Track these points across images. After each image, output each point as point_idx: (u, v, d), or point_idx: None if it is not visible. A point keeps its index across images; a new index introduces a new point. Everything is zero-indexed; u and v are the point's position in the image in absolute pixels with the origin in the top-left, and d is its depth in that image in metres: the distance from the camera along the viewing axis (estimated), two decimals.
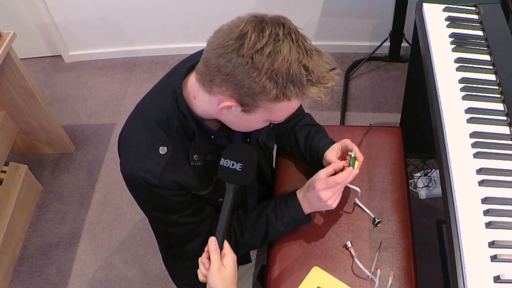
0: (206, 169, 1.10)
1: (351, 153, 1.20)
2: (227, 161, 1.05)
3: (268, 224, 1.20)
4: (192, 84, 1.02)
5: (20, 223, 2.18)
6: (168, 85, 1.07)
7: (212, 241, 1.01)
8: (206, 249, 1.02)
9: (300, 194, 1.20)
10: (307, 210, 1.20)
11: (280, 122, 1.05)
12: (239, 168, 1.05)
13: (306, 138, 1.34)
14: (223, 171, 1.06)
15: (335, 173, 1.18)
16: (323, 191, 1.13)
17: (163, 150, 1.03)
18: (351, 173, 1.14)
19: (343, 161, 1.19)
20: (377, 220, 1.28)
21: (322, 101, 0.94)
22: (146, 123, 1.06)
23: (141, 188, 1.05)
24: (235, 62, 0.88)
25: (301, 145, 1.34)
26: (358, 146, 1.30)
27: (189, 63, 1.05)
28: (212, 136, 1.10)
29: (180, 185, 1.06)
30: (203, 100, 1.00)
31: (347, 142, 1.25)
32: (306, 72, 0.89)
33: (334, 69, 0.94)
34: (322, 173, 1.16)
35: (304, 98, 0.92)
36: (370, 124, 1.50)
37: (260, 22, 0.89)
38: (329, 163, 1.23)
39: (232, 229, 1.21)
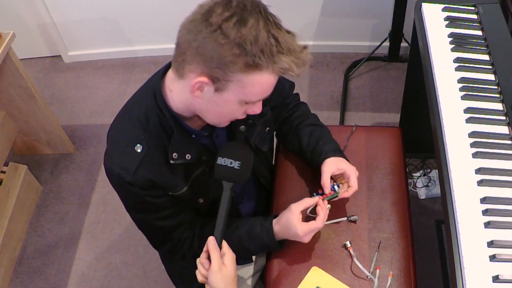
0: (185, 168, 1.10)
1: (337, 184, 1.24)
2: (224, 160, 1.05)
3: (240, 243, 1.21)
4: (169, 77, 1.04)
5: (20, 223, 2.18)
6: (149, 85, 1.09)
7: (211, 240, 1.01)
8: (205, 249, 1.02)
9: (276, 227, 1.20)
10: (281, 239, 1.21)
11: (255, 114, 1.05)
12: (238, 166, 1.04)
13: (310, 137, 1.33)
14: (220, 170, 1.05)
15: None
16: (306, 236, 1.17)
17: (138, 147, 1.04)
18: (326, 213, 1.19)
19: (316, 198, 1.21)
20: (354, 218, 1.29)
21: (296, 76, 0.93)
22: (127, 120, 1.08)
23: (118, 185, 1.07)
24: (205, 33, 0.89)
25: (304, 144, 1.34)
26: (343, 150, 1.31)
27: (169, 63, 1.07)
28: (194, 136, 1.10)
29: (154, 184, 1.06)
30: (179, 90, 1.01)
31: (351, 172, 1.24)
32: (276, 43, 0.89)
33: (306, 47, 0.94)
34: (296, 209, 1.17)
35: (276, 68, 0.91)
36: (355, 124, 1.50)
37: None
38: (322, 172, 1.24)
39: (205, 238, 1.20)
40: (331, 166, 1.24)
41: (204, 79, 0.92)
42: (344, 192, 1.23)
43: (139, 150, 1.04)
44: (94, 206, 2.30)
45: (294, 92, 1.40)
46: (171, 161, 1.06)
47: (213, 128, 1.14)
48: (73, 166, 2.46)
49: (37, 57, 3.03)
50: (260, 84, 0.94)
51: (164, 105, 1.04)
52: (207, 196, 1.19)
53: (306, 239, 1.18)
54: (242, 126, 1.17)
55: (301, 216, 1.17)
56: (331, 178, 1.25)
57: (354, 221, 1.29)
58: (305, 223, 1.16)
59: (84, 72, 2.94)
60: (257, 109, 1.03)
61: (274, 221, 1.20)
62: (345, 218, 1.29)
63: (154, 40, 2.90)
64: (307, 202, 1.19)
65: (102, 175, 2.40)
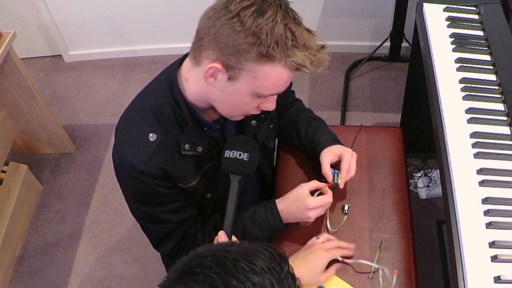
0: (196, 160, 1.10)
1: (337, 171, 1.23)
2: (233, 152, 1.05)
3: (245, 229, 1.20)
4: (185, 66, 1.04)
5: (20, 223, 2.18)
6: (164, 75, 1.10)
7: (222, 235, 1.02)
8: (215, 243, 1.02)
9: (280, 205, 1.20)
10: (285, 220, 1.21)
11: (271, 111, 1.05)
12: (247, 158, 1.05)
13: (308, 129, 1.34)
14: (228, 163, 1.05)
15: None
16: (314, 210, 1.16)
17: (152, 137, 1.04)
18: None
19: (324, 183, 1.22)
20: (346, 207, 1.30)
21: (311, 74, 0.94)
22: (140, 110, 1.08)
23: (127, 175, 1.06)
24: (223, 19, 0.90)
25: (302, 135, 1.35)
26: (351, 147, 1.31)
27: (185, 54, 1.08)
28: (205, 128, 1.10)
29: (166, 173, 1.06)
30: (194, 77, 1.01)
31: (345, 154, 1.25)
32: (292, 36, 0.90)
33: (323, 47, 0.95)
34: (305, 188, 1.18)
35: (289, 62, 0.91)
36: (361, 124, 1.51)
37: None
38: (321, 162, 1.25)
39: (207, 233, 1.21)
40: (329, 154, 1.25)
41: (217, 65, 0.93)
42: (342, 179, 1.24)
43: (152, 139, 1.04)
44: (94, 206, 2.30)
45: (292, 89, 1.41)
46: (183, 152, 1.06)
47: (224, 122, 1.14)
48: (74, 166, 2.46)
49: (38, 57, 3.03)
50: (272, 77, 0.94)
51: (180, 95, 1.04)
52: (215, 192, 1.19)
53: (313, 214, 1.17)
54: (254, 121, 1.18)
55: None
56: (333, 166, 1.26)
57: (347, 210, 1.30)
58: (316, 196, 1.18)
59: (84, 72, 2.94)
60: (270, 105, 1.04)
61: (277, 201, 1.20)
62: (345, 218, 1.29)
63: (154, 39, 2.90)
64: (315, 183, 1.20)
65: (102, 174, 2.40)
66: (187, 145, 1.07)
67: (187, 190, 1.12)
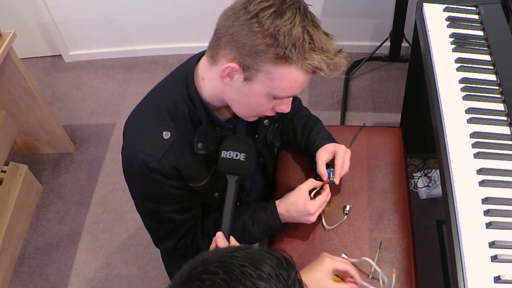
0: (207, 159, 1.11)
1: (332, 169, 1.25)
2: (229, 153, 1.05)
3: (245, 229, 1.21)
4: (202, 65, 1.04)
5: (20, 223, 2.18)
6: (180, 72, 1.09)
7: (220, 236, 1.02)
8: (213, 245, 1.03)
9: (281, 208, 1.20)
10: (285, 221, 1.22)
11: (284, 112, 1.06)
12: (243, 158, 1.05)
13: (304, 127, 1.35)
14: (224, 164, 1.05)
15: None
16: (315, 214, 1.18)
17: (166, 135, 1.04)
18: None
19: (320, 182, 1.23)
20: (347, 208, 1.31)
21: (327, 78, 0.94)
22: (154, 107, 1.08)
23: (139, 172, 1.05)
24: (242, 20, 0.90)
25: (298, 134, 1.36)
26: (349, 146, 1.33)
27: (202, 52, 1.07)
28: (218, 127, 1.10)
29: (178, 172, 1.06)
30: (210, 77, 1.01)
31: (339, 150, 1.26)
32: (309, 39, 0.90)
33: (341, 51, 0.94)
34: (304, 188, 1.19)
35: (305, 64, 0.91)
36: (364, 124, 1.51)
37: None
38: (317, 162, 1.26)
39: (206, 230, 1.22)
40: (324, 153, 1.26)
41: (234, 65, 0.93)
42: (337, 175, 1.25)
43: (166, 137, 1.04)
44: (94, 206, 2.30)
45: None
46: (196, 151, 1.07)
47: (236, 121, 1.15)
48: (74, 166, 2.46)
49: (38, 57, 3.03)
50: (288, 79, 0.94)
51: (196, 94, 1.04)
52: (223, 191, 1.19)
53: (314, 218, 1.19)
54: (266, 120, 1.19)
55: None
56: (328, 164, 1.27)
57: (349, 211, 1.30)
58: (314, 200, 1.19)
59: (84, 72, 2.94)
60: (285, 107, 1.04)
61: (277, 202, 1.21)
62: (345, 218, 1.29)
63: (154, 39, 2.90)
64: (313, 182, 1.21)
65: (102, 175, 2.40)
66: (200, 143, 1.07)
67: (197, 189, 1.13)
